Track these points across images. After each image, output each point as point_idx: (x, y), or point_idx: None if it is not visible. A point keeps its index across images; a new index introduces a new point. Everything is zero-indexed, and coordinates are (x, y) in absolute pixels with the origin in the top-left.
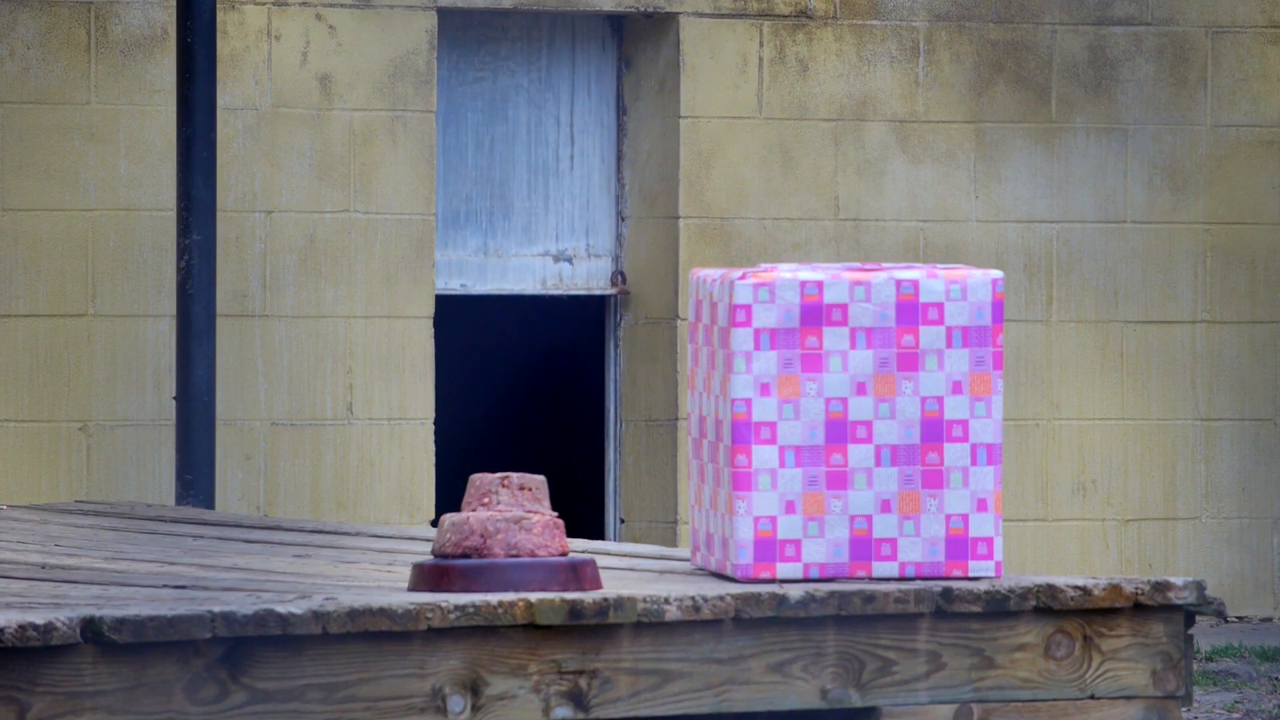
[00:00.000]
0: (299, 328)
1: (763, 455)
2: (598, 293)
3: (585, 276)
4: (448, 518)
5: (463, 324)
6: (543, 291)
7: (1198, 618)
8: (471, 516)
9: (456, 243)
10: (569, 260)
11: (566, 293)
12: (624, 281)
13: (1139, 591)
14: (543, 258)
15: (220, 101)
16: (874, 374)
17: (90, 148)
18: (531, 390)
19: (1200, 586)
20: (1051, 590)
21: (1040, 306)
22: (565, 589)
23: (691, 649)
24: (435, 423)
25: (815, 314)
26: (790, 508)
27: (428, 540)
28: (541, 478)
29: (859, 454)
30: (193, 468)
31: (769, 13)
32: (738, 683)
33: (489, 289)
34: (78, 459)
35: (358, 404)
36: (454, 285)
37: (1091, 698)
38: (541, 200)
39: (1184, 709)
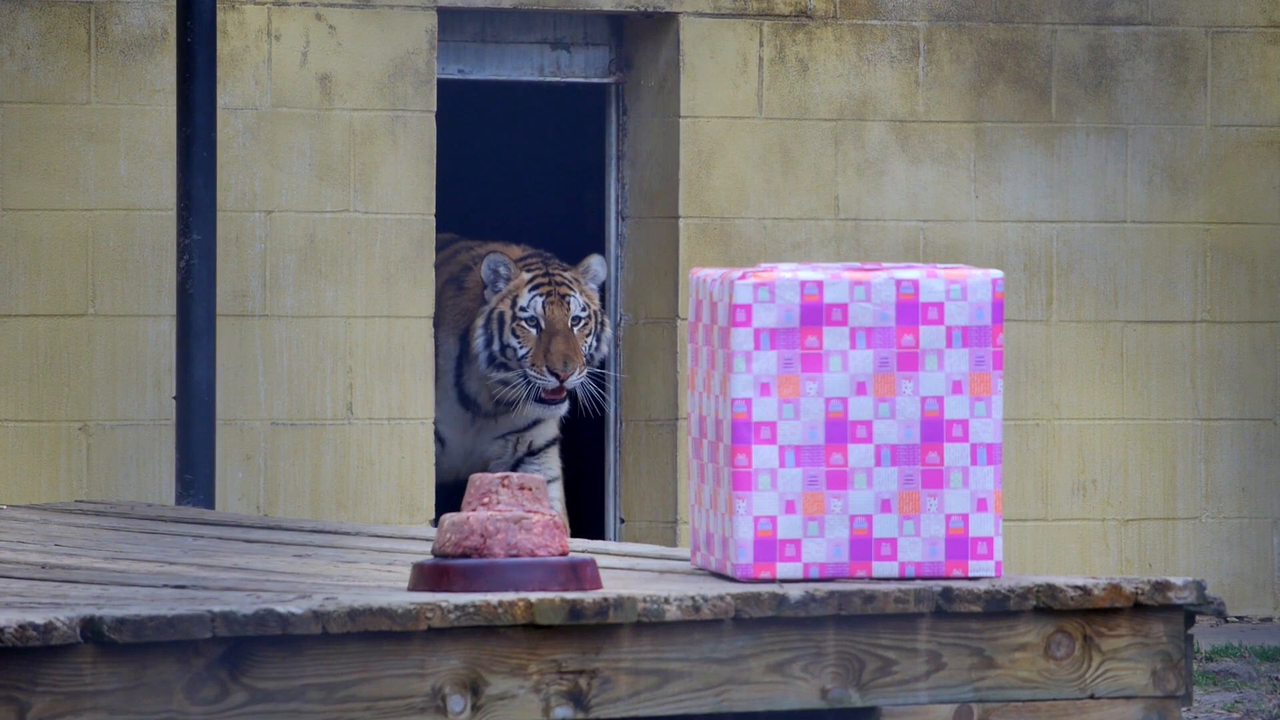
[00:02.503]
0: (299, 328)
1: (763, 455)
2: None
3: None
4: (448, 517)
5: None
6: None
7: (1198, 618)
8: (471, 516)
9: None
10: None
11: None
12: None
13: (1139, 591)
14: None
15: (220, 101)
16: (874, 374)
17: (90, 147)
18: None
19: (1200, 586)
20: (1051, 590)
21: (1040, 306)
22: (565, 589)
23: (691, 649)
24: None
25: (815, 314)
26: (790, 507)
27: (428, 540)
28: (541, 478)
29: (859, 454)
30: (193, 467)
31: (769, 12)
32: (738, 683)
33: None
34: (78, 459)
35: (358, 404)
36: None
37: (1091, 697)
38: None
39: (1184, 709)
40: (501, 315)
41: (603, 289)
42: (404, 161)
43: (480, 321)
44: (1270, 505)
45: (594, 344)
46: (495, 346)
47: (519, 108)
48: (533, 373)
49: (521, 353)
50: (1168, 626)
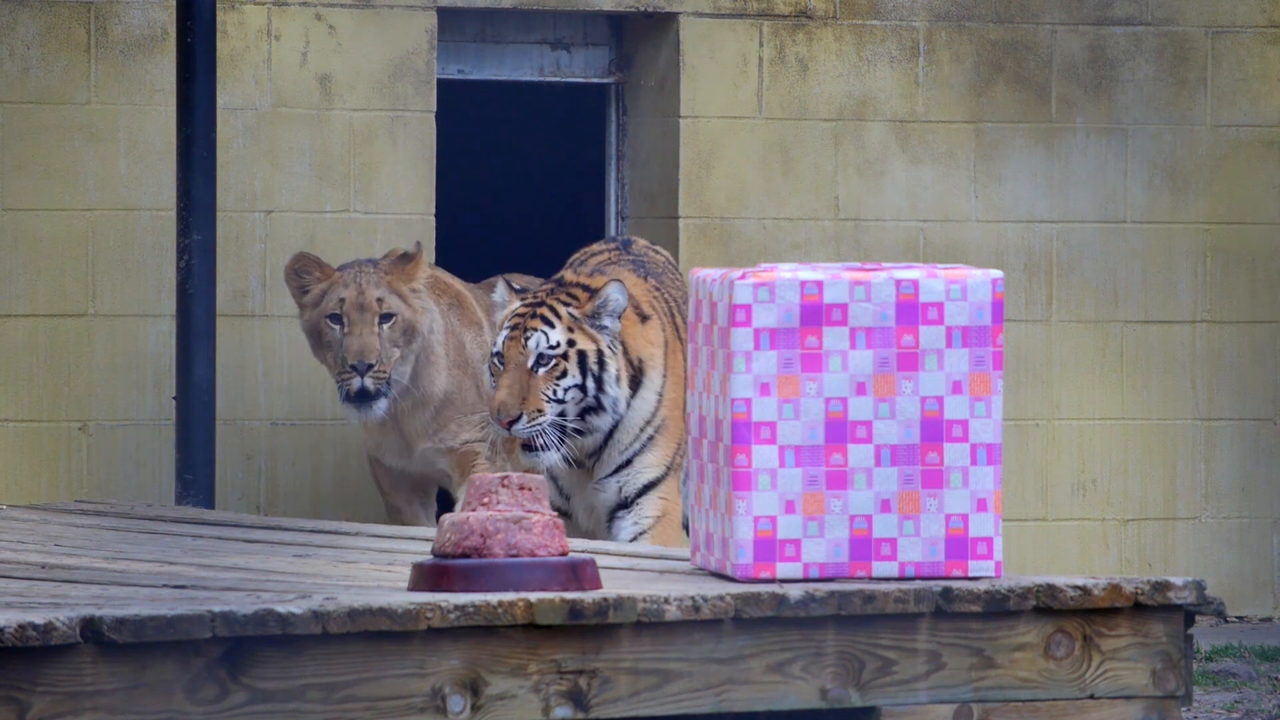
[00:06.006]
0: (299, 327)
1: (762, 455)
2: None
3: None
4: (448, 517)
5: None
6: None
7: (1198, 617)
8: (471, 516)
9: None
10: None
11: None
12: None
13: (1139, 591)
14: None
15: (220, 101)
16: (874, 374)
17: (90, 147)
18: None
19: (1200, 586)
20: (1051, 590)
21: (1040, 306)
22: (565, 589)
23: (691, 649)
24: None
25: (815, 314)
26: (790, 507)
27: (428, 540)
28: (541, 477)
29: (859, 454)
30: (192, 467)
31: (769, 13)
32: (737, 682)
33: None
34: (77, 459)
35: None
36: None
37: (1091, 697)
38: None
39: (1184, 709)
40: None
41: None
42: (404, 162)
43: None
44: (1270, 505)
45: (569, 386)
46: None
47: (519, 108)
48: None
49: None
50: (1168, 626)
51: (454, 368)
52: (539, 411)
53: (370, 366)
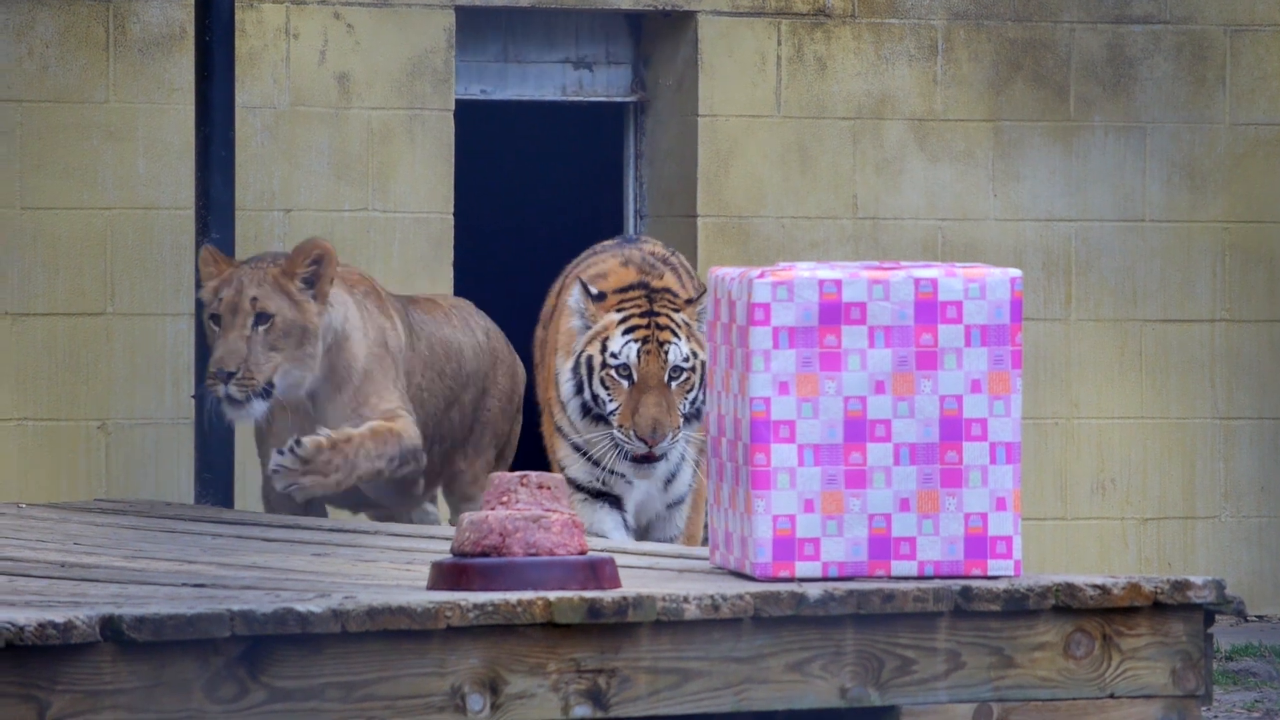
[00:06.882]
0: None
1: (781, 454)
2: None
3: None
4: (466, 516)
5: None
6: None
7: (1217, 617)
8: (490, 515)
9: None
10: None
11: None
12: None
13: (1158, 590)
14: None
15: (238, 100)
16: (893, 372)
17: (109, 146)
18: None
19: (1220, 585)
20: (1071, 589)
21: (1059, 305)
22: (584, 587)
23: (711, 648)
24: None
25: (834, 312)
26: (809, 506)
27: (446, 539)
28: (560, 476)
29: (878, 453)
30: (211, 466)
31: (787, 11)
32: (757, 681)
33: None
34: (96, 457)
35: None
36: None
37: (1111, 697)
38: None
39: (1204, 708)
40: (590, 360)
41: None
42: (422, 160)
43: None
44: None
45: (695, 399)
46: (586, 395)
47: (538, 121)
48: (620, 435)
49: (610, 408)
50: (1187, 625)
51: (374, 345)
52: (677, 429)
53: (231, 375)
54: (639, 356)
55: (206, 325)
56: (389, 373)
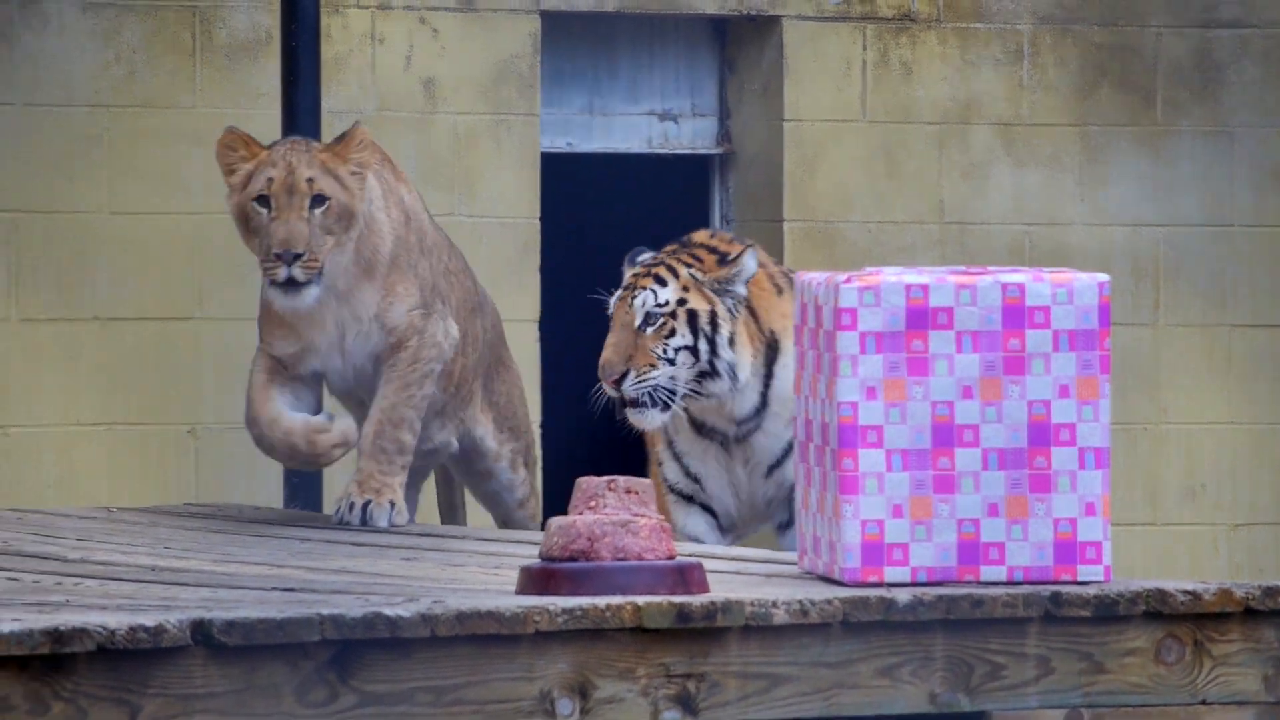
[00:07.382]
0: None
1: (869, 459)
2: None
3: None
4: (554, 521)
5: None
6: None
7: None
8: (578, 520)
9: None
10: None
11: None
12: None
13: (1250, 596)
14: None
15: (324, 105)
16: (980, 377)
17: (196, 151)
18: None
19: None
20: (1161, 595)
21: (1147, 310)
22: (673, 592)
23: (799, 652)
24: (542, 425)
25: (921, 317)
26: (897, 511)
27: (534, 544)
28: (648, 481)
29: (966, 458)
30: (300, 471)
31: (872, 16)
32: (846, 686)
33: None
34: (186, 462)
35: None
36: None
37: (1203, 703)
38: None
39: None
40: None
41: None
42: (508, 165)
43: None
44: None
45: (679, 346)
46: None
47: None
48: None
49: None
50: (1279, 632)
51: (398, 226)
52: (650, 367)
53: (298, 256)
54: (614, 304)
55: (247, 209)
56: (413, 257)
